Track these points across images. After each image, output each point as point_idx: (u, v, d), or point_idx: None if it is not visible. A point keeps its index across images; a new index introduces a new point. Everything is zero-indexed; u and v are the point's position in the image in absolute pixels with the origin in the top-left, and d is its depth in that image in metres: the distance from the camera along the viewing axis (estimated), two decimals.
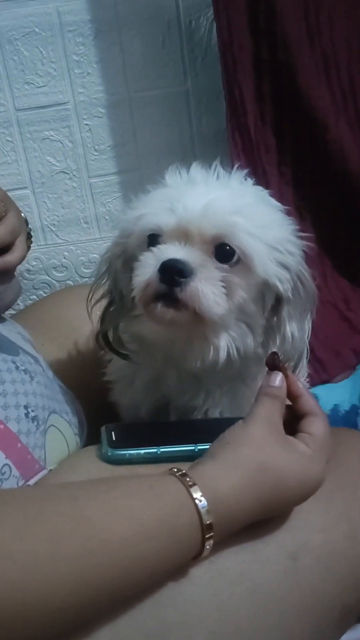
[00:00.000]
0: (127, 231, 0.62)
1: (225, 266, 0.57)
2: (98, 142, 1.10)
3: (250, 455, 0.47)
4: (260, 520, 0.49)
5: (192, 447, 0.55)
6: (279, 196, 1.15)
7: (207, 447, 0.54)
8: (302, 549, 0.51)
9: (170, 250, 0.56)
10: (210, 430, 0.60)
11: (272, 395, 0.52)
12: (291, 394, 0.54)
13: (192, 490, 0.44)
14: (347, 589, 0.53)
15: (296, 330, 0.60)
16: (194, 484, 0.44)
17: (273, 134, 1.10)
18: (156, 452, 0.54)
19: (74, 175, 1.12)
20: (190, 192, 0.59)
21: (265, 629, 0.48)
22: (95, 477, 0.54)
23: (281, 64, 1.04)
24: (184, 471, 0.46)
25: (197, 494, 0.44)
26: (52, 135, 1.09)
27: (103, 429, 0.59)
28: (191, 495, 0.44)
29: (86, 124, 1.09)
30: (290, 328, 0.60)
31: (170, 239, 0.57)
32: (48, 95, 1.07)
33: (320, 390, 0.98)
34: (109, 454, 0.55)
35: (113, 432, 0.58)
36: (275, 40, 1.03)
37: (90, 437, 0.70)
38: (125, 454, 0.54)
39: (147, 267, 0.56)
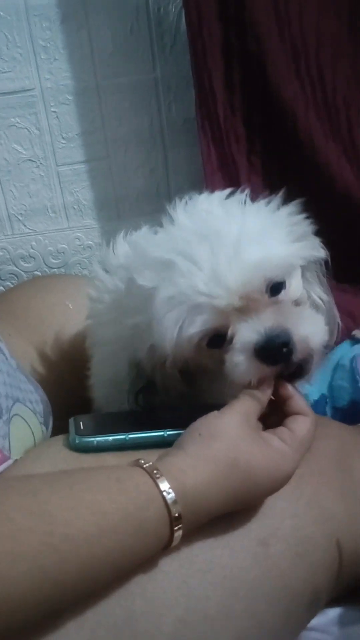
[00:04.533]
0: (163, 337, 0.53)
1: (282, 294, 0.54)
2: (66, 129, 1.09)
3: (222, 450, 0.47)
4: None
5: (162, 433, 0.54)
6: (249, 187, 1.16)
7: (177, 432, 0.54)
8: (272, 536, 0.50)
9: (250, 333, 0.51)
10: (180, 416, 0.60)
11: (250, 394, 0.52)
12: (281, 397, 0.54)
13: (159, 482, 0.43)
14: (318, 574, 0.53)
15: (322, 293, 0.60)
16: (162, 476, 0.44)
17: (242, 124, 1.09)
18: (124, 438, 0.53)
19: (41, 163, 1.10)
20: (216, 259, 0.51)
21: (235, 616, 0.48)
22: (60, 466, 0.53)
23: (251, 53, 1.04)
24: (151, 463, 0.45)
25: (164, 486, 0.43)
26: (18, 122, 1.07)
27: (71, 419, 0.58)
28: (158, 488, 0.43)
29: (53, 111, 1.07)
30: (317, 293, 0.60)
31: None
32: (14, 81, 1.04)
33: None
34: (77, 441, 0.54)
35: (81, 422, 0.57)
36: (245, 29, 1.02)
37: (59, 430, 0.68)
38: (93, 440, 0.53)
39: (241, 364, 0.51)
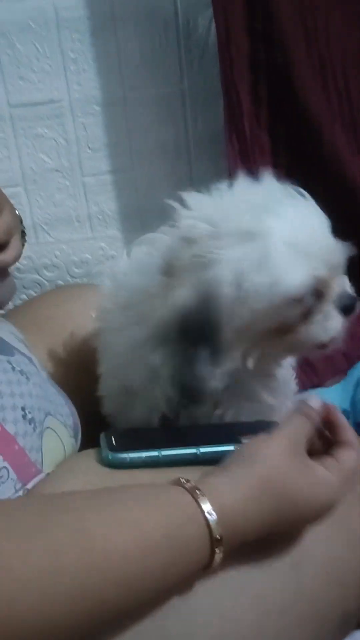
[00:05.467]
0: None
1: None
2: (92, 140, 1.09)
3: (263, 473, 0.46)
4: None
5: (195, 450, 0.54)
6: None
7: (210, 449, 0.54)
8: (305, 558, 0.50)
9: (346, 288, 0.58)
10: (213, 433, 0.60)
11: (306, 415, 0.51)
12: (331, 423, 0.53)
13: (201, 502, 0.43)
14: (348, 597, 0.53)
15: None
16: (204, 496, 0.43)
17: (268, 136, 1.10)
18: (157, 455, 0.53)
19: (67, 173, 1.11)
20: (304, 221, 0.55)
21: (267, 636, 0.48)
22: (93, 481, 0.53)
23: (278, 66, 1.04)
24: (192, 482, 0.45)
25: (206, 507, 0.43)
26: (45, 133, 1.08)
27: (102, 434, 0.58)
28: (200, 507, 0.43)
29: (81, 122, 1.08)
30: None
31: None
32: (42, 92, 1.05)
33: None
34: (110, 457, 0.54)
35: (113, 437, 0.57)
36: (272, 42, 1.03)
37: (84, 441, 0.68)
38: (126, 457, 0.53)
39: (335, 317, 0.57)
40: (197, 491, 0.43)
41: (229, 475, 0.46)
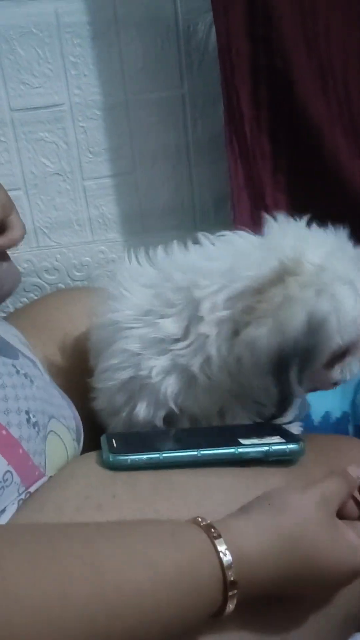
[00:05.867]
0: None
1: None
2: (93, 144, 1.09)
3: (289, 526, 0.45)
4: None
5: (195, 452, 0.54)
6: (273, 204, 1.16)
7: (210, 452, 0.54)
8: None
9: None
10: (213, 435, 0.60)
11: (345, 479, 0.50)
12: None
13: (216, 542, 0.42)
14: (350, 599, 0.52)
15: None
16: (219, 536, 0.42)
17: (268, 141, 1.10)
18: (158, 457, 0.53)
19: (67, 177, 1.11)
20: None
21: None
22: (94, 483, 0.53)
23: (278, 71, 1.04)
24: (209, 521, 0.44)
25: (221, 547, 0.41)
26: (46, 137, 1.08)
27: (103, 436, 0.58)
28: (215, 547, 0.41)
29: (81, 126, 1.08)
30: None
31: None
32: (43, 96, 1.05)
33: (311, 397, 0.97)
34: (110, 459, 0.54)
35: (114, 439, 0.57)
36: (273, 47, 1.03)
37: (86, 444, 0.68)
38: (127, 459, 0.53)
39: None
40: (212, 530, 0.42)
41: (251, 519, 0.45)
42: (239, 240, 0.65)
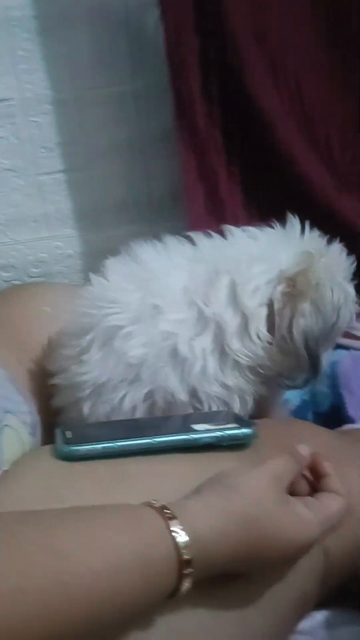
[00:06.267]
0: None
1: None
2: (46, 139, 1.08)
3: (241, 505, 0.45)
4: None
5: (149, 440, 0.54)
6: (229, 198, 1.17)
7: (164, 439, 0.55)
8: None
9: None
10: (167, 424, 0.60)
11: (295, 457, 0.51)
12: (319, 473, 0.53)
13: (171, 523, 0.42)
14: (306, 580, 0.54)
15: None
16: (174, 517, 0.43)
17: (221, 134, 1.11)
18: (113, 446, 0.54)
19: (21, 172, 1.10)
20: None
21: (225, 623, 0.49)
22: (52, 475, 0.53)
23: (229, 66, 1.05)
24: (163, 503, 0.44)
25: (175, 527, 0.42)
26: None
27: (57, 429, 0.59)
28: (169, 528, 0.42)
29: (33, 121, 1.07)
30: None
31: None
32: None
33: None
34: (65, 450, 0.54)
35: (68, 431, 0.57)
36: (222, 42, 1.04)
37: (45, 439, 0.68)
38: (80, 449, 0.54)
39: None
40: (166, 511, 0.43)
41: (204, 500, 0.46)
42: (264, 234, 0.70)
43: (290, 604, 0.53)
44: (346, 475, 0.57)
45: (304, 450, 0.52)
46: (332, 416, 0.90)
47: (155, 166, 1.14)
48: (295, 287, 0.62)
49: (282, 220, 0.72)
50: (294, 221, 0.70)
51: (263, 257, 0.65)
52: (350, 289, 0.68)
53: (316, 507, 0.49)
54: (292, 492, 0.51)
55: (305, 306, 0.62)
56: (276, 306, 0.63)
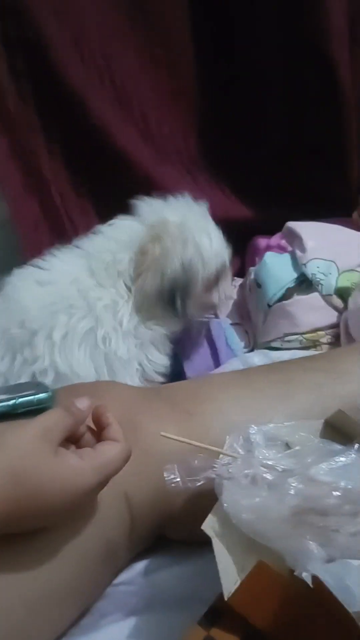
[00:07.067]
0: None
1: None
2: None
3: (7, 463, 0.45)
4: None
5: None
6: (53, 176, 1.16)
7: None
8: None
9: None
10: None
11: (69, 411, 0.51)
12: (100, 425, 0.53)
13: None
14: (107, 529, 0.54)
15: None
16: None
17: (36, 113, 1.10)
18: None
19: None
20: None
21: (18, 582, 0.48)
22: None
23: (32, 42, 1.04)
24: None
25: None
26: None
27: None
28: None
29: None
30: None
31: None
32: None
33: None
34: None
35: None
36: (23, 19, 1.02)
37: None
38: None
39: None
40: None
41: None
42: (126, 222, 0.89)
43: (94, 555, 0.53)
44: (142, 423, 0.59)
45: (82, 403, 0.52)
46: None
47: None
48: (145, 253, 0.83)
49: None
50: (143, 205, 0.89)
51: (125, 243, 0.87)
52: (207, 245, 0.86)
53: (90, 455, 0.49)
54: (78, 445, 0.52)
55: (151, 266, 0.83)
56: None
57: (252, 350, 0.98)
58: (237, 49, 1.15)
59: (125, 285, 0.84)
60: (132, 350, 0.83)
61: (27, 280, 0.83)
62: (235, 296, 1.06)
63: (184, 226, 0.85)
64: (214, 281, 0.90)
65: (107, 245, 0.87)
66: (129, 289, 0.84)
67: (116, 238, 0.87)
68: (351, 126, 1.11)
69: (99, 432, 0.53)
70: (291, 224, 1.00)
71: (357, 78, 1.10)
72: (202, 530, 0.47)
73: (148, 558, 0.62)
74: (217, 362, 0.96)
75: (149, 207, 0.89)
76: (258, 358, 0.90)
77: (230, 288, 0.96)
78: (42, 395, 0.58)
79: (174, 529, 0.60)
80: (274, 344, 0.95)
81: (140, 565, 0.62)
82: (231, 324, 1.03)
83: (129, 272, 0.84)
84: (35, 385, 0.61)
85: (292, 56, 1.10)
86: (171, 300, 0.84)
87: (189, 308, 0.87)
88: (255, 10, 1.11)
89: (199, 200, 0.90)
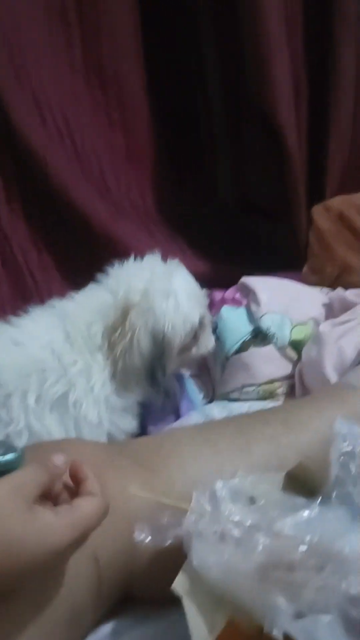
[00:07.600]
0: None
1: None
2: None
3: None
4: None
5: None
6: (13, 233, 1.17)
7: None
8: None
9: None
10: None
11: (45, 467, 0.50)
12: (77, 479, 0.52)
13: None
14: (76, 590, 0.53)
15: None
16: None
17: None
18: None
19: None
20: None
21: None
22: None
23: None
24: None
25: None
26: None
27: None
28: None
29: None
30: None
31: None
32: None
33: None
34: None
35: None
36: None
37: None
38: None
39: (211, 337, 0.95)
40: None
41: None
42: (96, 292, 0.86)
43: (60, 618, 0.52)
44: (106, 477, 0.58)
45: (58, 459, 0.52)
46: None
47: None
48: (116, 331, 0.81)
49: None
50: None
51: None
52: (173, 310, 0.83)
53: (65, 511, 0.48)
54: (55, 502, 0.51)
55: (124, 344, 0.81)
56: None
57: (211, 401, 1.00)
58: (187, 108, 1.22)
59: (102, 355, 0.83)
60: (103, 415, 0.81)
61: (1, 339, 0.81)
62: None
63: (148, 294, 0.82)
64: (192, 338, 0.88)
65: (82, 313, 0.84)
66: (106, 358, 0.82)
67: (89, 307, 0.85)
68: (297, 183, 1.17)
69: (76, 487, 0.52)
70: (245, 279, 1.03)
71: (302, 136, 1.17)
72: (170, 588, 0.47)
73: (114, 619, 0.61)
74: (177, 414, 0.98)
75: (115, 273, 0.87)
76: (217, 409, 0.92)
77: (210, 339, 0.93)
78: (9, 457, 0.57)
79: (142, 587, 0.60)
80: (232, 395, 0.97)
81: (106, 629, 0.60)
82: (190, 376, 1.04)
83: (104, 346, 0.82)
84: (2, 445, 0.61)
85: (237, 115, 1.17)
86: (151, 374, 0.84)
87: (168, 370, 0.86)
88: (204, 73, 1.18)
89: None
